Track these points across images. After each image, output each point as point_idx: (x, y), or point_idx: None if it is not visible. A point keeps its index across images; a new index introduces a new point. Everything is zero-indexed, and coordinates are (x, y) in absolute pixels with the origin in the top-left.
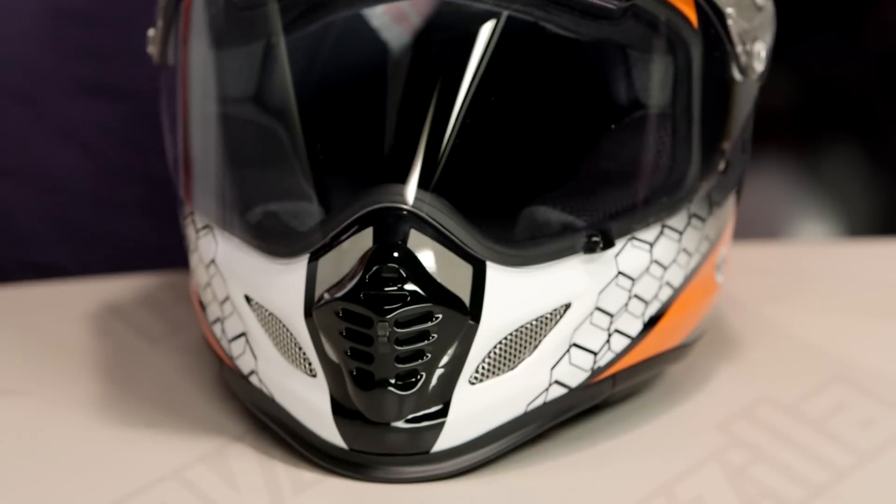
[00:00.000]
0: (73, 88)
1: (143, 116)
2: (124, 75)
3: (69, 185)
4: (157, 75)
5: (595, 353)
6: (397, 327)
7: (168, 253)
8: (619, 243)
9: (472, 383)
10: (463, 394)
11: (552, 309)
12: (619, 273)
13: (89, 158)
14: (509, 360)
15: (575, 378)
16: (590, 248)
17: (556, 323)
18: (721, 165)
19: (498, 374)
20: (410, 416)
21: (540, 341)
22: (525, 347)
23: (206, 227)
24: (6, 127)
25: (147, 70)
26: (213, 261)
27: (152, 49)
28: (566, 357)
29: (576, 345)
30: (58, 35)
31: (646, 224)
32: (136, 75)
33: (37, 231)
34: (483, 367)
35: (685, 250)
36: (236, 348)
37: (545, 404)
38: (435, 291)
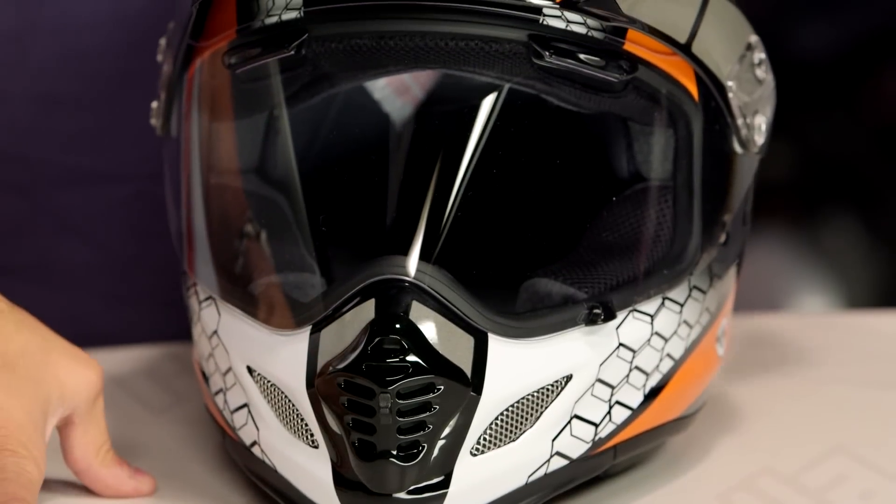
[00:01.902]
0: (69, 178)
1: (142, 200)
2: (119, 160)
3: (73, 279)
4: (153, 157)
5: (596, 425)
6: (399, 399)
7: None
8: (620, 315)
9: (474, 454)
10: (465, 465)
11: (554, 380)
12: (620, 345)
13: (92, 249)
14: (511, 432)
15: (576, 449)
16: (591, 320)
17: (558, 394)
18: (722, 238)
19: (500, 446)
20: (412, 488)
21: (541, 413)
22: (527, 419)
23: (208, 298)
24: (5, 222)
25: (142, 152)
26: (215, 332)
27: (155, 121)
28: (567, 428)
29: (577, 416)
30: (48, 123)
31: (647, 296)
32: (131, 159)
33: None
34: (485, 439)
35: (686, 322)
36: (238, 419)
37: (546, 475)
38: (437, 363)
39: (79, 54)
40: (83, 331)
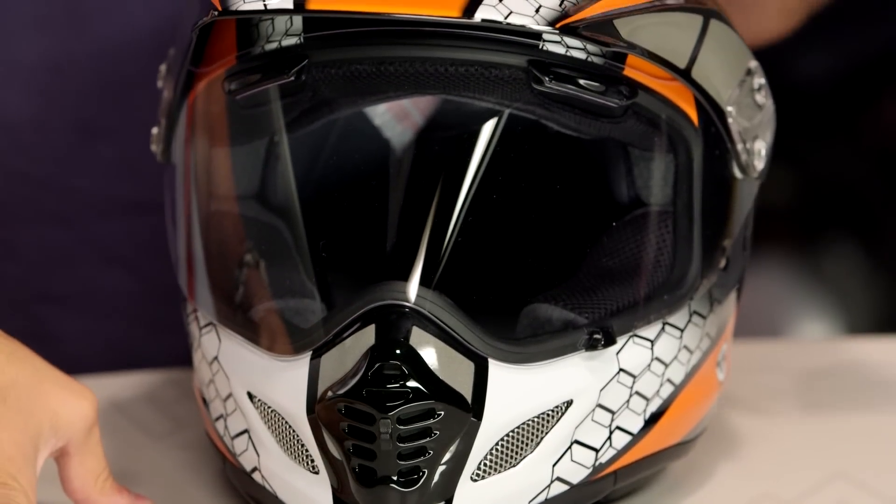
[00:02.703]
0: (112, 208)
1: None
2: (161, 189)
3: (116, 307)
4: None
5: (597, 450)
6: (399, 424)
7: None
8: (620, 340)
9: (475, 480)
10: (465, 490)
11: (554, 406)
12: (621, 370)
13: (134, 278)
14: (511, 457)
15: (576, 475)
16: (591, 346)
17: (558, 420)
18: (722, 263)
19: (500, 471)
20: None
21: (542, 438)
22: (527, 444)
23: (209, 324)
24: (48, 252)
25: None
26: (215, 358)
27: (155, 147)
28: (568, 454)
29: (577, 441)
30: (90, 153)
31: (647, 321)
32: None
33: (88, 357)
34: (485, 464)
35: (686, 347)
36: (239, 445)
37: (547, 501)
38: (437, 388)
39: (119, 84)
40: (125, 358)
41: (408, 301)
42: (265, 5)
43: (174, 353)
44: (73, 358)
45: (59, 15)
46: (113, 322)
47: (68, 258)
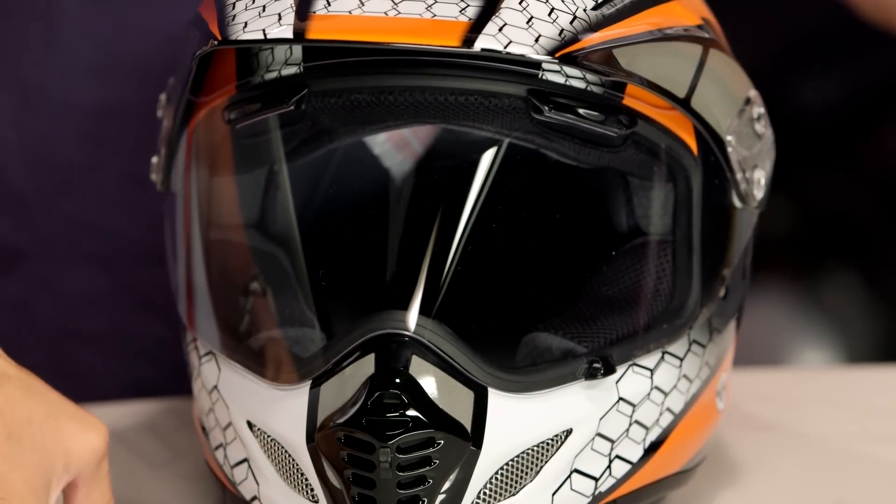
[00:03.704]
0: (149, 255)
1: None
2: None
3: (147, 351)
4: None
5: (596, 479)
6: (399, 453)
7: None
8: (619, 369)
9: None
10: None
11: (553, 435)
12: (620, 399)
13: (165, 324)
14: (511, 486)
15: None
16: (591, 375)
17: (558, 449)
18: (721, 292)
19: (499, 500)
20: None
21: (541, 467)
22: (526, 473)
23: (208, 353)
24: (83, 292)
25: None
26: (215, 387)
27: (155, 177)
28: (567, 483)
29: (577, 470)
30: (136, 201)
31: (646, 350)
32: None
33: (119, 397)
34: (485, 493)
35: (686, 376)
36: (239, 474)
37: None
38: (437, 417)
39: None
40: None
41: (407, 330)
42: (265, 34)
43: None
44: (95, 396)
45: (116, 64)
46: (139, 364)
47: (102, 300)
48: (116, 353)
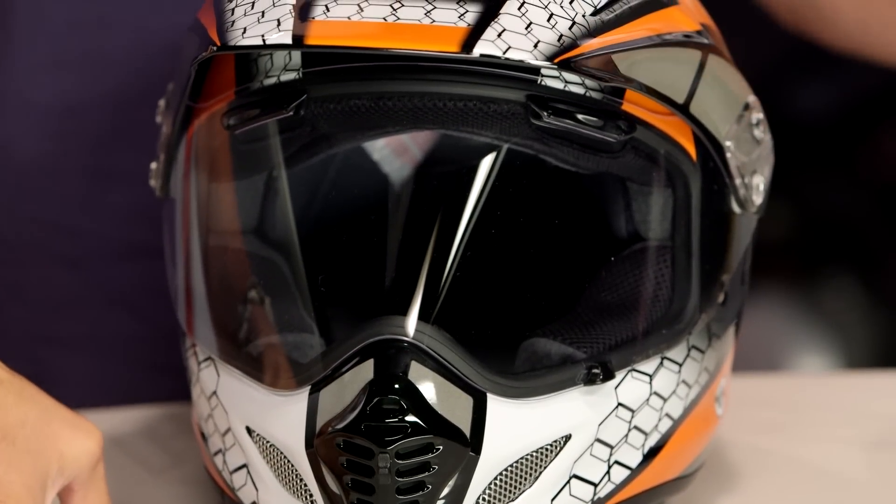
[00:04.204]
0: (119, 252)
1: None
2: None
3: (120, 350)
4: None
5: (595, 485)
6: (398, 459)
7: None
8: (618, 375)
9: None
10: None
11: (552, 440)
12: (619, 404)
13: (139, 322)
14: (510, 492)
15: None
16: (590, 380)
17: (557, 454)
18: (720, 297)
19: None
20: None
21: (540, 473)
22: (526, 479)
23: (207, 359)
24: (55, 293)
25: None
26: (214, 392)
27: (154, 182)
28: (566, 488)
29: (576, 476)
30: (102, 197)
31: (645, 356)
32: None
33: (93, 399)
34: (484, 499)
35: (685, 382)
36: (238, 480)
37: None
38: (436, 423)
39: (132, 129)
40: (129, 401)
41: (406, 336)
42: (264, 40)
43: (175, 396)
44: (73, 399)
45: (74, 58)
46: (115, 365)
47: (74, 301)
48: (90, 354)
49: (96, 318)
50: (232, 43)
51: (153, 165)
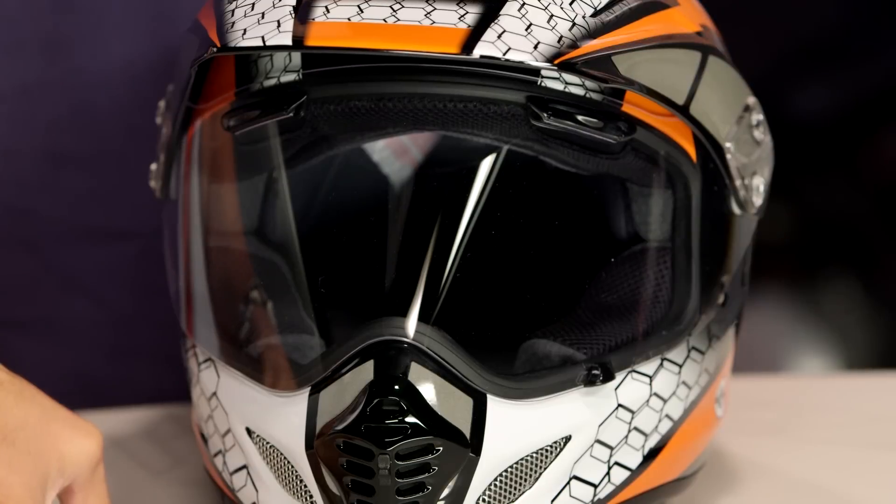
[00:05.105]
0: (75, 234)
1: (147, 258)
2: (129, 218)
3: (78, 334)
4: (158, 215)
5: (595, 486)
6: (398, 460)
7: (184, 405)
8: (618, 376)
9: None
10: None
11: (552, 441)
12: (619, 405)
13: (96, 306)
14: (510, 493)
15: None
16: (590, 381)
17: (557, 455)
18: (720, 299)
19: None
20: None
21: (540, 473)
22: (526, 480)
23: (207, 360)
24: (12, 277)
25: (148, 210)
26: (214, 394)
27: (154, 184)
28: (566, 489)
29: (576, 477)
30: (56, 179)
31: (645, 357)
32: (137, 217)
33: (50, 384)
34: (484, 500)
35: (685, 383)
36: (238, 481)
37: None
38: (436, 424)
39: (87, 111)
40: (86, 385)
41: (406, 337)
42: (264, 41)
43: (133, 380)
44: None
45: (31, 42)
46: (73, 349)
47: (32, 285)
48: (47, 338)
49: (53, 301)
50: (232, 44)
51: (153, 167)
